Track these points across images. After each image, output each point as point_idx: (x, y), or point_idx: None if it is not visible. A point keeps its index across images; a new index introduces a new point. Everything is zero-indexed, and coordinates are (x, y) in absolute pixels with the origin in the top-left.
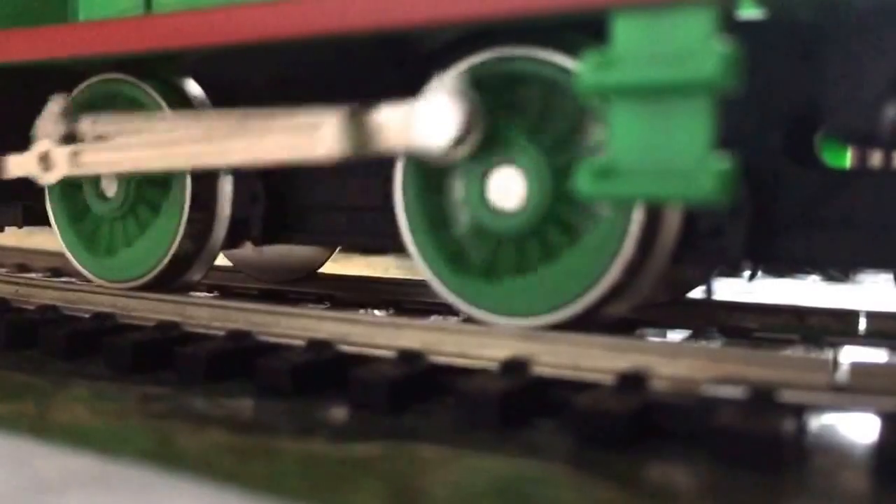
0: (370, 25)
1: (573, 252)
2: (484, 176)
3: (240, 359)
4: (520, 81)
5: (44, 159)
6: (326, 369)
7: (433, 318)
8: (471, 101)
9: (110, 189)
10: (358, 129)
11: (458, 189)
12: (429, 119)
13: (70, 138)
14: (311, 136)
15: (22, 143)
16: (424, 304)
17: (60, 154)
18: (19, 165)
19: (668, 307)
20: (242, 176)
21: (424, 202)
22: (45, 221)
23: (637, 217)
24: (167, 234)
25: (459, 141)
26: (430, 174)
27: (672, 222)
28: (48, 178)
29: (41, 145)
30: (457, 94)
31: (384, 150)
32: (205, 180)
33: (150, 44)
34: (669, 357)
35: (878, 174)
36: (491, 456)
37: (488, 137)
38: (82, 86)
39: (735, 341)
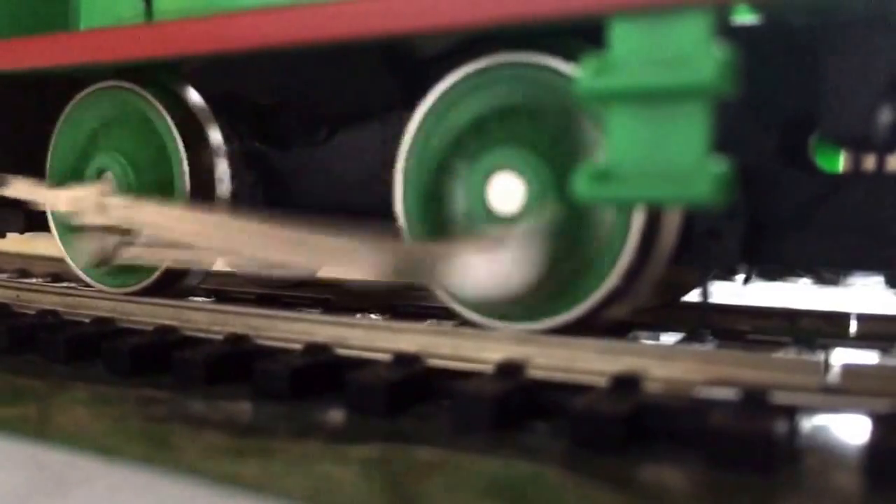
0: (374, 32)
1: (573, 256)
2: (484, 181)
3: (238, 362)
4: (518, 86)
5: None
6: (324, 372)
7: (429, 321)
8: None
9: None
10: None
11: (459, 193)
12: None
13: None
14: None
15: (20, 149)
16: (421, 308)
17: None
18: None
19: (662, 310)
20: (241, 177)
21: (424, 205)
22: (45, 228)
23: (637, 220)
24: None
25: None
26: (431, 178)
27: (671, 226)
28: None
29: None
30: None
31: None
32: (203, 182)
33: (151, 51)
34: (663, 359)
35: (872, 178)
36: (486, 458)
37: (488, 143)
38: (81, 94)
39: (728, 344)
